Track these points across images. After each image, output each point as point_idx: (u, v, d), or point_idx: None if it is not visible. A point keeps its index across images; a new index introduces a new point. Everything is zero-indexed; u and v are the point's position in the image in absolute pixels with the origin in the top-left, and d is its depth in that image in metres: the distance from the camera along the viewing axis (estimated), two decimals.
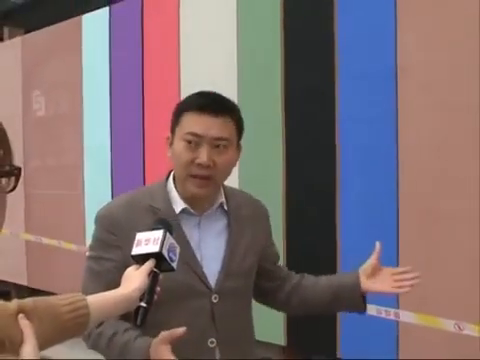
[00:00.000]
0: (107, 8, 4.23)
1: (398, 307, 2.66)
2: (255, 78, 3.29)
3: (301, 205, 3.08)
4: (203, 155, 1.52)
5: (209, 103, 1.58)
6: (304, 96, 3.06)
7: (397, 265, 2.66)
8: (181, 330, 1.38)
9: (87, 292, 1.26)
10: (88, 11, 4.45)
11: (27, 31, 5.27)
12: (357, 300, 1.74)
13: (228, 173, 1.64)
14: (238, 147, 1.66)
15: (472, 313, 2.42)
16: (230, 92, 3.36)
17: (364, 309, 1.79)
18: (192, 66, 3.61)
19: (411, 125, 2.63)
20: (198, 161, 1.52)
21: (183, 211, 1.61)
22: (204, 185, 1.56)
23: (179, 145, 1.56)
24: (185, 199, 1.60)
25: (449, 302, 2.51)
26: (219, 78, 3.40)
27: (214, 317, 1.59)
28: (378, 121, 2.73)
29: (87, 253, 1.68)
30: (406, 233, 2.65)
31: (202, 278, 1.59)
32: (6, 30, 5.58)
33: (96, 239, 1.64)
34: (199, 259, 1.60)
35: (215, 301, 1.59)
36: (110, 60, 4.14)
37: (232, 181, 3.25)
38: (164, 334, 1.40)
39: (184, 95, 1.86)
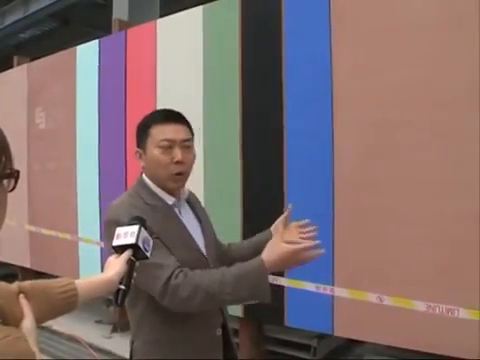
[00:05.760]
0: (97, 41, 4.13)
1: (333, 284, 2.64)
2: (217, 98, 3.22)
3: (255, 201, 3.02)
4: (178, 154, 1.53)
5: (170, 115, 1.60)
6: (257, 113, 3.00)
7: (333, 251, 2.62)
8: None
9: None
10: (81, 43, 4.36)
11: (32, 59, 5.13)
12: None
13: (192, 167, 1.63)
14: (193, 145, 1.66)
15: (390, 288, 2.44)
16: (197, 110, 3.30)
17: None
18: (167, 88, 3.54)
19: (344, 136, 2.60)
20: (176, 159, 1.53)
21: (172, 203, 1.60)
22: (181, 179, 1.58)
23: (155, 152, 1.55)
24: (169, 193, 1.59)
25: (373, 280, 2.50)
26: (188, 98, 3.34)
27: None
28: (317, 133, 2.69)
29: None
30: (340, 226, 2.62)
31: (200, 250, 1.59)
32: (15, 59, 5.43)
33: None
34: (193, 238, 1.59)
35: (212, 266, 1.58)
36: (99, 83, 4.04)
37: (198, 181, 3.19)
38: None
39: None
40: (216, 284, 1.38)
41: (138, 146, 1.61)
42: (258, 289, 1.41)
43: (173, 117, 1.58)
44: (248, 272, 1.41)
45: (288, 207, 1.62)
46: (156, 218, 1.41)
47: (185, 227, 1.57)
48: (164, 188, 1.58)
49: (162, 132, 1.54)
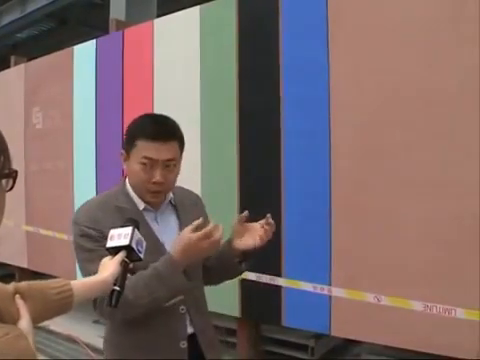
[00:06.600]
0: (94, 41, 4.11)
1: (331, 284, 2.63)
2: (215, 98, 3.21)
3: (252, 202, 2.99)
4: (158, 175, 1.51)
5: (159, 132, 1.52)
6: (255, 113, 2.99)
7: (330, 251, 2.62)
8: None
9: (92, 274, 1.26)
10: (79, 43, 4.35)
11: (29, 59, 5.11)
12: (234, 263, 1.62)
13: (175, 182, 1.61)
14: (180, 160, 1.61)
15: (387, 288, 2.44)
16: (194, 110, 3.30)
17: (240, 271, 1.66)
18: (164, 88, 3.52)
19: (341, 136, 2.60)
20: (154, 180, 1.52)
21: (144, 208, 1.59)
22: (158, 196, 1.57)
23: (136, 166, 1.53)
24: (144, 201, 1.60)
25: (370, 280, 2.50)
26: (186, 98, 3.33)
27: None
28: (315, 133, 2.69)
29: (77, 254, 1.52)
30: (337, 226, 2.61)
31: None
32: (12, 59, 5.40)
33: (82, 236, 1.50)
34: (162, 244, 1.57)
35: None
36: (96, 83, 4.03)
37: (195, 181, 3.18)
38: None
39: (156, 112, 1.78)
40: (131, 291, 1.37)
41: (123, 147, 1.58)
42: (174, 284, 1.43)
43: (161, 134, 1.51)
44: (159, 271, 1.42)
45: (245, 212, 1.62)
46: (116, 220, 1.40)
47: (153, 233, 1.55)
48: (142, 199, 1.58)
49: (146, 149, 1.50)
